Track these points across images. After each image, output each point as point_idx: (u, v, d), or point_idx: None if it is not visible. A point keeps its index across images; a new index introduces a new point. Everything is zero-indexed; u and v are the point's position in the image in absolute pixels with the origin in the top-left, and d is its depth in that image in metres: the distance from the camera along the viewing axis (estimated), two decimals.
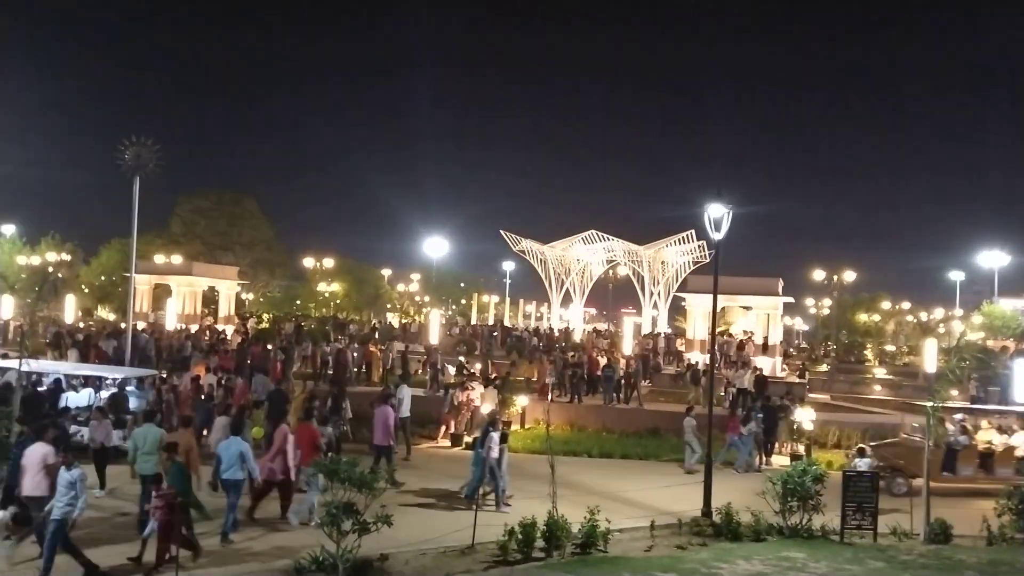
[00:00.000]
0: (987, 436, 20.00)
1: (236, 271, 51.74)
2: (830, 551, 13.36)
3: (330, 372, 30.90)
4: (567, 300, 64.43)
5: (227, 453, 13.18)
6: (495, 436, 16.09)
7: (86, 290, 65.11)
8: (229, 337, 36.89)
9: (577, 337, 48.63)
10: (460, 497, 16.13)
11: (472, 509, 14.12)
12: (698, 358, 37.17)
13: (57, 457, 11.42)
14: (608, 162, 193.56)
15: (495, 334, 47.65)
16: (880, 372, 44.86)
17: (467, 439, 21.23)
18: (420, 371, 33.63)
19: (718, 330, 45.21)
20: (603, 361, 31.08)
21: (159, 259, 53.91)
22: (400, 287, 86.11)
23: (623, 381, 29.73)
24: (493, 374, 29.27)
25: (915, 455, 17.91)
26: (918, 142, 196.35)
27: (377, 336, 43.27)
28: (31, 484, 11.47)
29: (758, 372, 31.07)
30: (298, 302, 72.86)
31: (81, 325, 42.94)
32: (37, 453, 11.64)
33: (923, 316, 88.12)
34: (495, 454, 15.96)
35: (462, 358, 33.88)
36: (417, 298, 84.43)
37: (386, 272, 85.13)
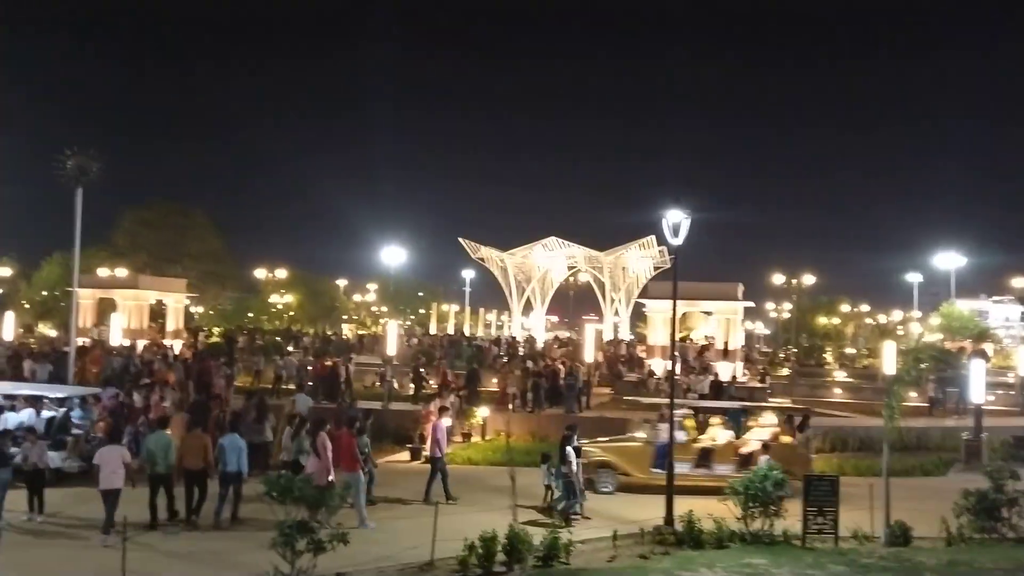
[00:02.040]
0: (713, 433, 20.75)
1: (184, 284, 50.75)
2: (792, 556, 13.55)
3: (287, 386, 30.49)
4: (528, 308, 64.48)
5: (231, 448, 15.44)
6: (571, 451, 16.61)
7: (27, 306, 63.40)
8: (177, 352, 36.21)
9: (539, 345, 48.74)
10: (554, 512, 16.37)
11: (562, 525, 15.03)
12: (659, 364, 37.42)
13: None
14: (568, 166, 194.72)
15: (455, 343, 47.43)
16: (840, 375, 45.68)
17: (425, 453, 21.10)
18: (378, 383, 33.44)
19: (679, 336, 45.95)
20: (562, 369, 31.22)
21: (103, 272, 52.75)
22: (356, 298, 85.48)
23: (584, 389, 29.88)
24: (453, 385, 29.15)
25: (625, 453, 19.30)
26: (876, 144, 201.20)
27: (331, 349, 42.84)
28: None
29: (715, 377, 31.43)
30: (250, 314, 71.84)
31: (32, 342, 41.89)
32: None
33: (882, 318, 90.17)
34: (574, 467, 16.50)
35: (421, 369, 33.71)
36: (374, 309, 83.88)
37: (342, 283, 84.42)
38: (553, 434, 25.54)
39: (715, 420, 21.42)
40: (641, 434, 21.04)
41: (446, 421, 19.95)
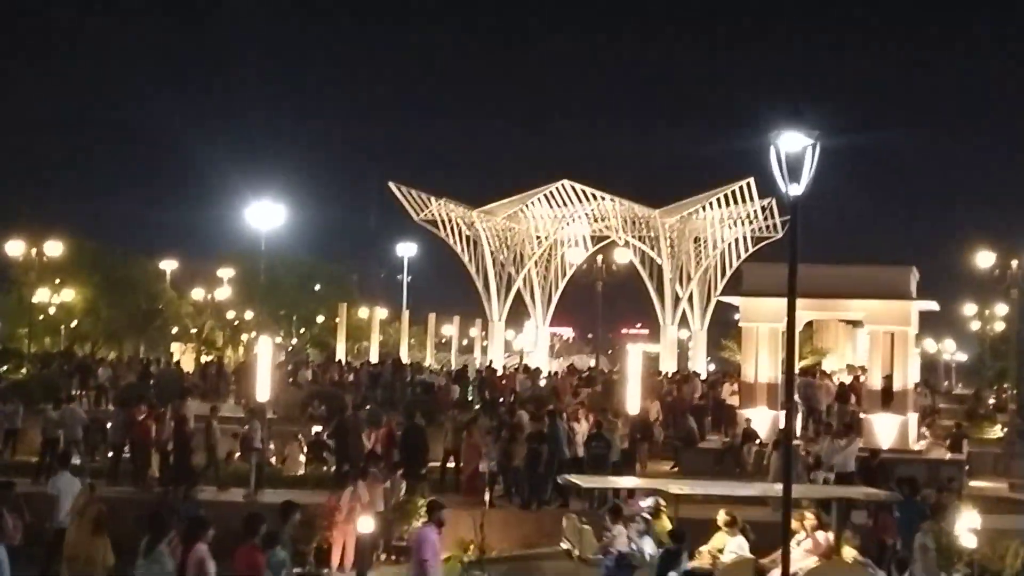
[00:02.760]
0: (720, 541, 22.46)
1: None
2: None
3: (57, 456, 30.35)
4: (519, 314, 64.90)
5: None
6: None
7: None
8: None
9: (540, 381, 48.85)
10: None
11: None
12: (763, 418, 37.69)
13: None
14: (588, 73, 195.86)
15: (381, 379, 47.41)
16: None
17: None
18: (238, 454, 33.45)
19: (800, 364, 46.14)
20: (583, 426, 31.34)
21: None
22: (197, 294, 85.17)
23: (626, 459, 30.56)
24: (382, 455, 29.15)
25: None
26: None
27: (153, 390, 42.71)
28: None
29: (869, 452, 31.33)
30: None
31: None
32: None
33: None
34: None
35: (318, 428, 33.67)
36: (230, 315, 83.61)
37: (168, 266, 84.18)
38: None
39: (722, 517, 22.32)
40: (565, 544, 21.86)
41: (430, 534, 19.83)
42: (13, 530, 17.87)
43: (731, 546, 21.42)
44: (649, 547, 21.01)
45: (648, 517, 22.71)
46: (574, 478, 25.53)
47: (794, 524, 21.47)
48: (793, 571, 19.40)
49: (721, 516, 22.33)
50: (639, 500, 24.41)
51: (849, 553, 21.15)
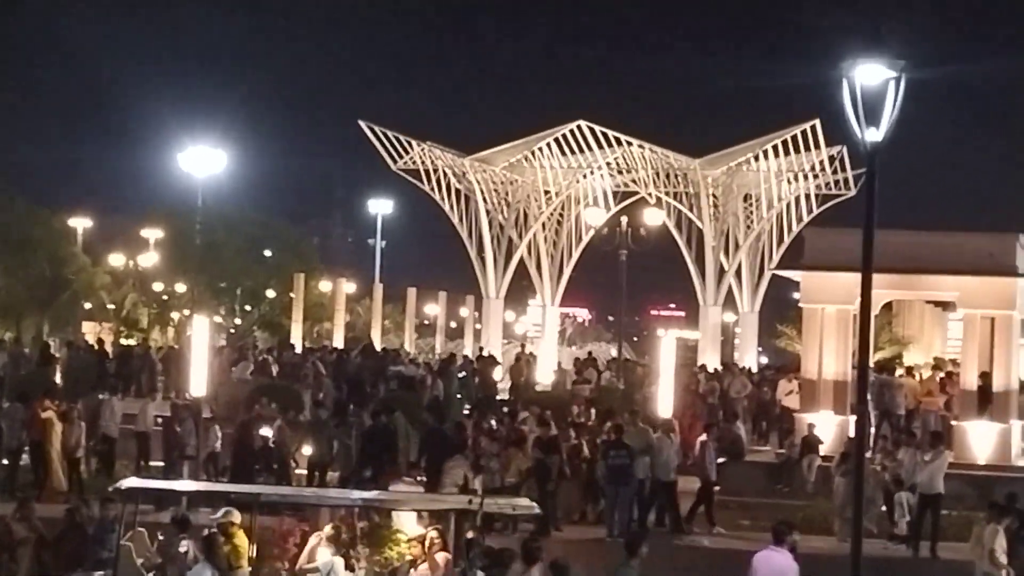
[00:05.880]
0: None
1: None
2: None
3: None
4: (522, 290, 65.07)
5: None
6: None
7: None
8: None
9: (545, 375, 48.93)
10: None
11: None
12: (827, 424, 37.84)
13: None
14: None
15: (347, 368, 47.50)
16: None
17: None
18: (164, 461, 33.64)
19: (876, 357, 45.90)
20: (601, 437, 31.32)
21: None
22: (116, 260, 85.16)
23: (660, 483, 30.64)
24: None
25: None
26: None
27: (60, 381, 42.84)
28: None
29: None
30: None
31: None
32: None
33: None
34: None
35: (267, 431, 33.76)
36: (158, 287, 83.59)
37: (80, 224, 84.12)
38: None
39: (327, 532, 22.56)
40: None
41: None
42: None
43: (324, 569, 21.71)
44: None
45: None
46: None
47: (415, 550, 22.53)
48: None
49: (327, 530, 22.65)
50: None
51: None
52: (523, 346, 62.64)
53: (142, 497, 23.29)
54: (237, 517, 22.21)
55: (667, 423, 33.24)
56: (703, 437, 31.88)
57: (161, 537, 22.19)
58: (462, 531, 21.80)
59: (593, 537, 28.94)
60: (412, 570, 21.98)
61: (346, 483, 31.34)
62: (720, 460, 33.29)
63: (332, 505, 23.69)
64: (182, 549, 21.34)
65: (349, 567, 21.96)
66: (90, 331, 73.27)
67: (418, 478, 29.52)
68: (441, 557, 21.79)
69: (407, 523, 23.11)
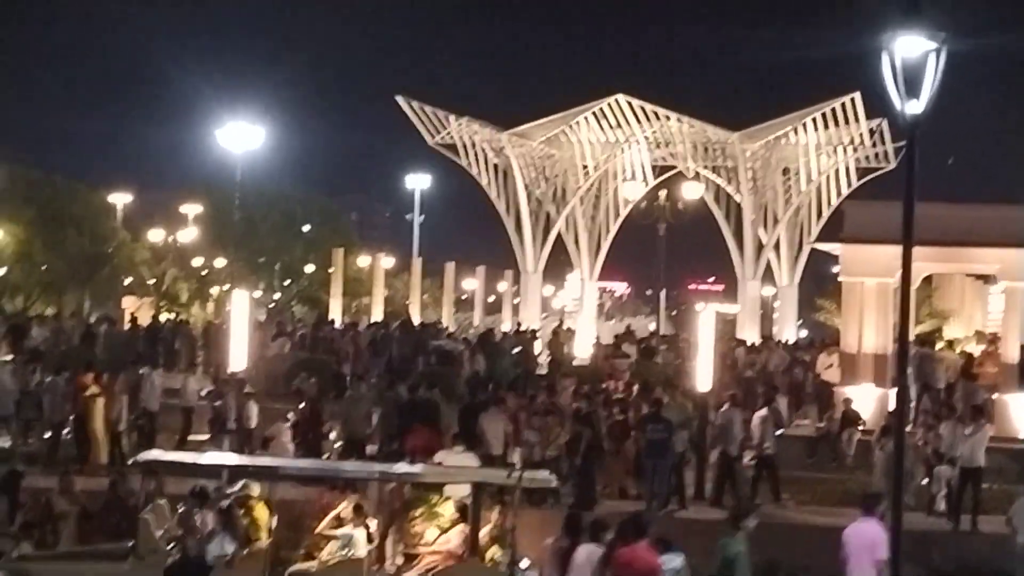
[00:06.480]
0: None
1: None
2: None
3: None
4: (560, 264, 64.99)
5: None
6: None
7: None
8: None
9: (584, 349, 48.92)
10: None
11: None
12: (868, 397, 37.84)
13: None
14: None
15: (389, 343, 47.64)
16: None
17: None
18: (208, 434, 33.92)
19: (916, 331, 45.75)
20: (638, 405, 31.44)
21: None
22: (155, 235, 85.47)
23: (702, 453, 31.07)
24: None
25: None
26: None
27: (101, 353, 43.05)
28: None
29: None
30: None
31: None
32: None
33: None
34: None
35: (301, 406, 33.90)
36: (197, 262, 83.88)
37: (120, 200, 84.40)
38: None
39: (348, 507, 22.59)
40: None
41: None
42: None
43: (343, 541, 21.70)
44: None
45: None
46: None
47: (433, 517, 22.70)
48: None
49: (349, 502, 22.80)
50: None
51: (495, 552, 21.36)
52: (561, 320, 62.67)
53: (175, 471, 23.55)
54: (256, 490, 22.57)
55: (734, 396, 33.67)
56: (763, 411, 31.85)
57: (181, 509, 22.30)
58: (494, 504, 22.08)
59: (631, 511, 29.10)
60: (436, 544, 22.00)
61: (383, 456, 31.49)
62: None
63: (351, 478, 23.61)
64: (201, 521, 21.55)
65: (370, 539, 21.97)
66: (130, 306, 73.46)
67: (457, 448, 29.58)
68: (459, 531, 21.91)
69: (458, 493, 22.99)
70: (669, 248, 63.39)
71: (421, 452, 29.96)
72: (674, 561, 19.34)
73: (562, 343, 51.79)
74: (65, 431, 33.12)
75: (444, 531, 22.16)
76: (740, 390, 38.53)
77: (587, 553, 19.03)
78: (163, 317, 68.00)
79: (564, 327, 56.78)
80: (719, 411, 32.64)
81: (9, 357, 41.68)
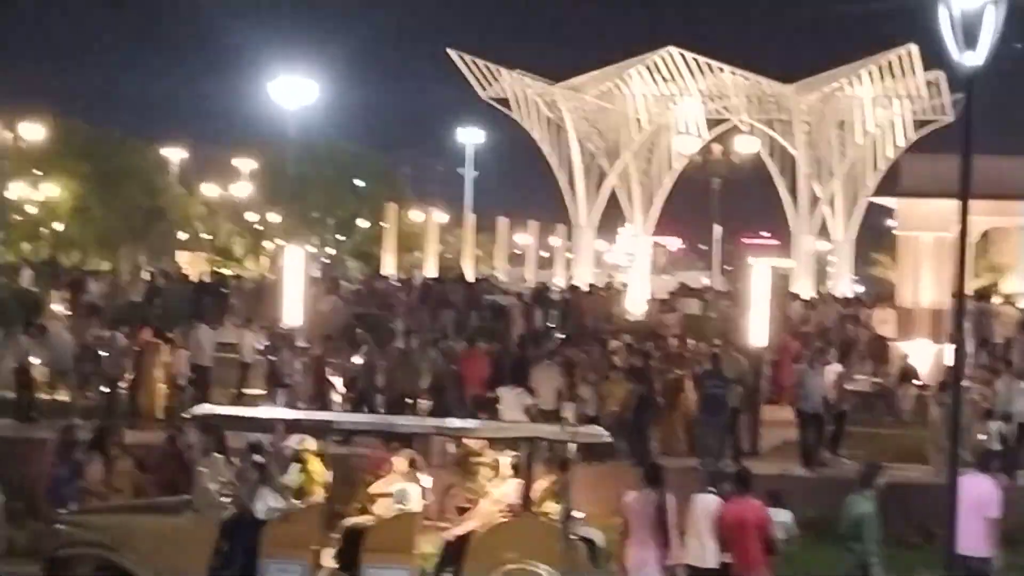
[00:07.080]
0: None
1: None
2: None
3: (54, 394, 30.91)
4: (613, 219, 64.95)
5: None
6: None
7: None
8: None
9: (637, 305, 48.92)
10: None
11: None
12: (925, 354, 37.66)
13: None
14: None
15: (445, 298, 47.70)
16: None
17: None
18: (265, 390, 34.06)
19: (974, 285, 45.49)
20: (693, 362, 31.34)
21: None
22: (209, 190, 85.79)
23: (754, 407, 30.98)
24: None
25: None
26: None
27: (157, 306, 43.26)
28: None
29: None
30: None
31: None
32: None
33: None
34: None
35: (358, 359, 33.99)
36: (251, 217, 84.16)
37: (175, 155, 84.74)
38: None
39: (402, 461, 22.54)
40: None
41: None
42: None
43: (398, 495, 21.67)
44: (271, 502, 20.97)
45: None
46: None
47: (487, 472, 22.83)
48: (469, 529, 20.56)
49: (403, 457, 22.80)
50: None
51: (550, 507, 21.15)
52: (611, 276, 62.64)
53: (230, 425, 23.87)
54: (312, 444, 22.71)
55: (816, 353, 33.22)
56: (838, 367, 31.68)
57: (236, 462, 22.57)
58: (548, 459, 21.94)
59: (684, 466, 29.04)
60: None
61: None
62: None
63: (405, 432, 23.70)
64: (255, 475, 21.60)
65: (424, 494, 22.04)
66: (186, 261, 73.87)
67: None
68: (512, 485, 21.91)
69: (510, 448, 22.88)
70: (723, 202, 63.22)
71: (479, 384, 31.10)
72: (782, 515, 19.35)
73: (615, 298, 51.73)
74: (122, 385, 33.33)
75: (499, 485, 22.12)
76: (799, 345, 38.55)
77: (704, 503, 19.26)
78: (218, 271, 68.18)
79: (616, 282, 56.74)
80: (795, 367, 32.69)
81: (67, 312, 41.92)
